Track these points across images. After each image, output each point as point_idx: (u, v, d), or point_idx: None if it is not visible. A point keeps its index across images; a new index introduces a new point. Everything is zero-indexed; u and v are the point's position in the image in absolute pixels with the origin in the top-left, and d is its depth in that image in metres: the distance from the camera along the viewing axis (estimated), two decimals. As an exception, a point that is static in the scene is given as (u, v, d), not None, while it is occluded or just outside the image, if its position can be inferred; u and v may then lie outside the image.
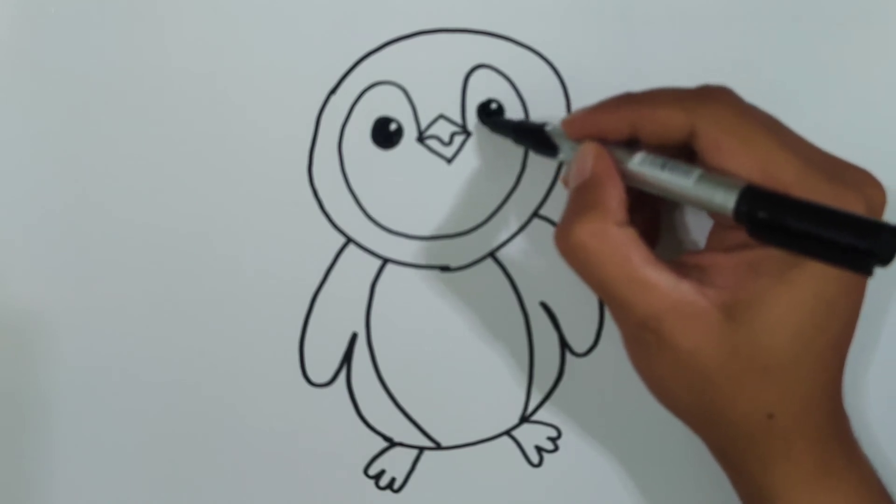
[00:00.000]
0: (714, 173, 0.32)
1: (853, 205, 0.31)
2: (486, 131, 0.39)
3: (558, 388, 0.42)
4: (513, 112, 0.39)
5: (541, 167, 0.40)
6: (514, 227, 0.41)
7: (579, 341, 0.42)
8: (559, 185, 0.41)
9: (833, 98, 0.41)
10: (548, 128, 0.37)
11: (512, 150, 0.40)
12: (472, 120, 0.39)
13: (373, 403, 0.42)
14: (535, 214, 0.41)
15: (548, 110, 0.40)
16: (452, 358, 0.42)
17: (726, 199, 0.30)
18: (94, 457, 0.40)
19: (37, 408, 0.39)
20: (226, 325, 0.40)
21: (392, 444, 0.42)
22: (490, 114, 0.39)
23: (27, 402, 0.39)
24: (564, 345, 0.42)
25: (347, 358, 0.41)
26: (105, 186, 0.38)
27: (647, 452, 0.43)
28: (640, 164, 0.33)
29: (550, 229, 0.41)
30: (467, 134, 0.39)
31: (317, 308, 0.40)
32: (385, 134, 0.39)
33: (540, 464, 0.43)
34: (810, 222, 0.28)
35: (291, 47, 0.37)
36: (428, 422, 0.42)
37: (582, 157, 0.34)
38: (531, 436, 0.43)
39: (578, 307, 0.42)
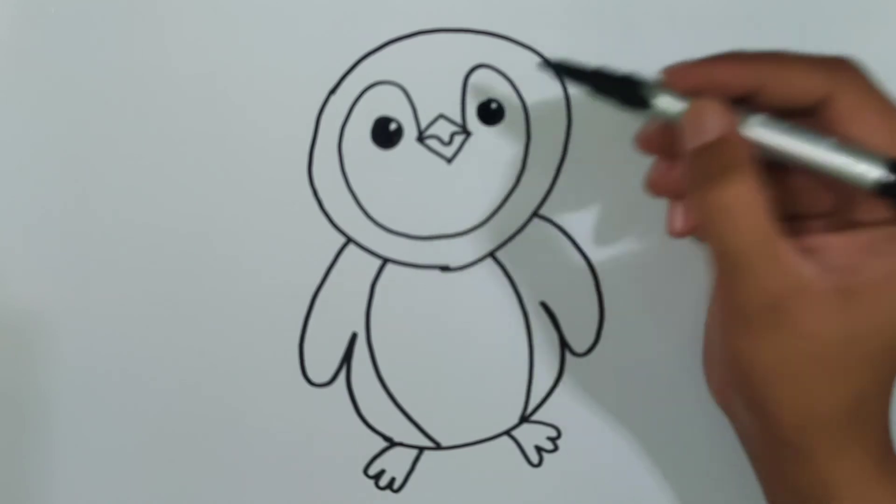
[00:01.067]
0: (852, 142, 0.30)
1: None
2: (485, 131, 0.39)
3: (558, 388, 0.42)
4: (513, 112, 0.39)
5: (541, 167, 0.40)
6: (514, 227, 0.41)
7: (579, 341, 0.42)
8: (559, 185, 0.41)
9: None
10: (636, 77, 0.33)
11: (512, 150, 0.40)
12: (472, 120, 0.39)
13: (373, 403, 0.42)
14: (535, 214, 0.41)
15: (548, 110, 0.40)
16: (452, 358, 0.42)
17: (868, 170, 0.29)
18: (94, 457, 0.40)
19: (37, 408, 0.39)
20: (226, 325, 0.39)
21: (392, 444, 0.42)
22: (492, 113, 0.39)
23: (27, 403, 0.39)
24: (564, 345, 0.42)
25: (347, 358, 0.41)
26: (105, 186, 0.38)
27: (647, 452, 0.43)
28: (763, 126, 0.31)
29: (550, 229, 0.41)
30: (467, 134, 0.39)
31: (317, 308, 0.40)
32: (385, 134, 0.39)
33: (540, 464, 0.43)
34: None
35: (291, 47, 0.37)
36: (428, 422, 0.42)
37: (698, 116, 0.32)
38: (531, 436, 0.43)
39: (578, 307, 0.42)
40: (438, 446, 0.43)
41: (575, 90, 0.39)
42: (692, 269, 0.42)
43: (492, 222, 0.41)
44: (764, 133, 0.31)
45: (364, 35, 0.38)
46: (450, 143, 0.39)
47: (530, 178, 0.40)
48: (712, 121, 0.32)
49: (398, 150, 0.39)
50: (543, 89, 0.39)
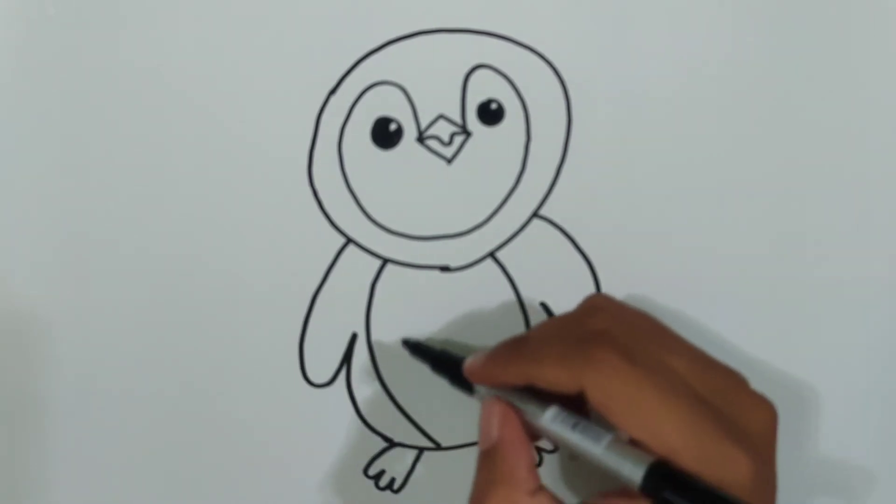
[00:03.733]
0: (622, 443, 0.32)
1: (739, 462, 0.31)
2: (485, 131, 0.39)
3: (558, 389, 0.42)
4: (513, 112, 0.39)
5: (541, 167, 0.40)
6: (514, 227, 0.41)
7: (579, 341, 0.42)
8: (559, 185, 0.41)
9: (833, 98, 0.41)
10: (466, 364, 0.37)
11: (512, 150, 0.40)
12: (472, 120, 0.39)
13: (373, 403, 0.42)
14: (535, 214, 0.41)
15: (548, 110, 0.40)
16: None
17: (633, 473, 0.31)
18: (93, 457, 0.40)
19: (37, 409, 0.39)
20: (226, 326, 0.39)
21: (392, 444, 0.42)
22: (492, 113, 0.39)
23: (26, 405, 0.39)
24: (564, 345, 0.42)
25: (347, 358, 0.41)
26: (104, 187, 0.38)
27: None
28: (552, 422, 0.33)
29: (550, 229, 0.41)
30: (467, 134, 0.39)
31: (317, 308, 0.40)
32: (385, 134, 0.39)
33: (539, 464, 0.43)
34: None
35: (291, 47, 0.37)
36: (428, 422, 0.42)
37: (487, 419, 0.35)
38: (531, 436, 0.43)
39: (578, 307, 0.42)
40: (438, 446, 0.43)
41: (574, 90, 0.39)
42: (692, 269, 0.42)
43: (492, 222, 0.41)
44: (553, 427, 0.33)
45: (364, 35, 0.38)
46: (450, 143, 0.39)
47: (530, 178, 0.40)
48: (490, 426, 0.34)
49: (398, 150, 0.39)
50: (543, 89, 0.39)
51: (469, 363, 0.36)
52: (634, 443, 0.32)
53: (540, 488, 0.33)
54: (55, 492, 0.40)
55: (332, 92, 0.38)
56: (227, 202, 0.38)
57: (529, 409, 0.34)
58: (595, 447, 0.32)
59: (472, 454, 0.42)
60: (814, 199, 0.42)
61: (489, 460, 0.34)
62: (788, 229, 0.43)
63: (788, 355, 0.44)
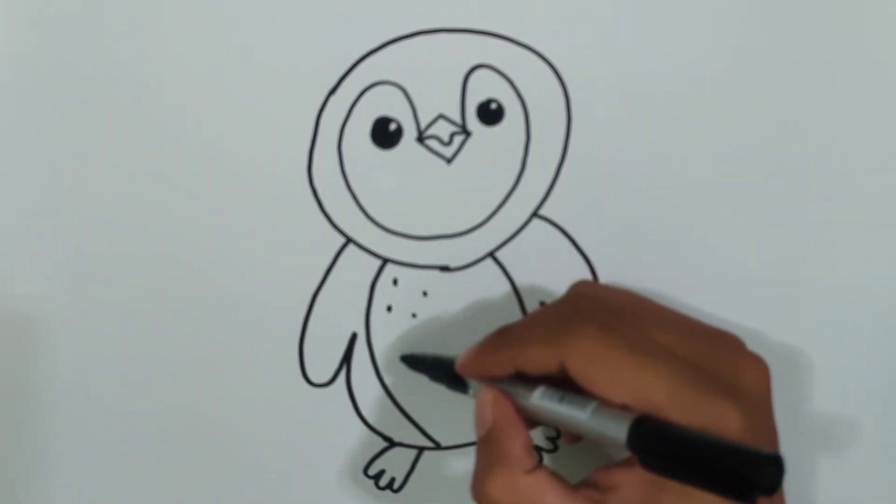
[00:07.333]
0: (607, 406, 0.32)
1: (728, 415, 0.31)
2: (485, 131, 0.39)
3: (558, 388, 0.42)
4: (513, 112, 0.39)
5: (541, 167, 0.40)
6: (513, 227, 0.41)
7: (579, 341, 0.42)
8: (559, 185, 0.41)
9: (834, 97, 0.41)
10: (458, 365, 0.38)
11: (512, 150, 0.40)
12: (472, 120, 0.39)
13: (373, 403, 0.42)
14: (535, 214, 0.41)
15: (548, 110, 0.40)
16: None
17: (618, 432, 0.31)
18: (92, 458, 0.40)
19: (36, 409, 0.39)
20: (226, 326, 0.39)
21: (392, 444, 0.42)
22: (491, 113, 0.39)
23: (25, 405, 0.39)
24: (564, 345, 0.42)
25: (347, 358, 0.41)
26: (104, 187, 0.38)
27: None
28: (540, 399, 0.34)
29: (550, 229, 0.41)
30: (467, 134, 0.39)
31: (317, 308, 0.40)
32: (385, 134, 0.39)
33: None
34: (697, 454, 0.29)
35: (291, 47, 0.37)
36: (428, 422, 0.42)
37: (481, 407, 0.36)
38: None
39: (578, 307, 0.42)
40: (438, 446, 0.43)
41: (574, 90, 0.40)
42: (691, 269, 0.42)
43: (492, 222, 0.41)
44: (541, 404, 0.34)
45: (364, 35, 0.38)
46: (449, 143, 0.39)
47: (530, 178, 0.40)
48: (485, 412, 0.35)
49: (398, 150, 0.39)
50: (543, 89, 0.39)
51: (460, 360, 0.37)
52: (621, 408, 0.32)
53: (537, 467, 0.34)
54: (55, 492, 0.40)
55: (332, 92, 0.38)
56: (227, 202, 0.38)
57: (520, 392, 0.35)
58: (581, 414, 0.33)
59: (472, 454, 0.42)
60: (814, 199, 0.43)
61: (486, 445, 0.35)
62: (788, 228, 0.43)
63: (787, 349, 0.44)
